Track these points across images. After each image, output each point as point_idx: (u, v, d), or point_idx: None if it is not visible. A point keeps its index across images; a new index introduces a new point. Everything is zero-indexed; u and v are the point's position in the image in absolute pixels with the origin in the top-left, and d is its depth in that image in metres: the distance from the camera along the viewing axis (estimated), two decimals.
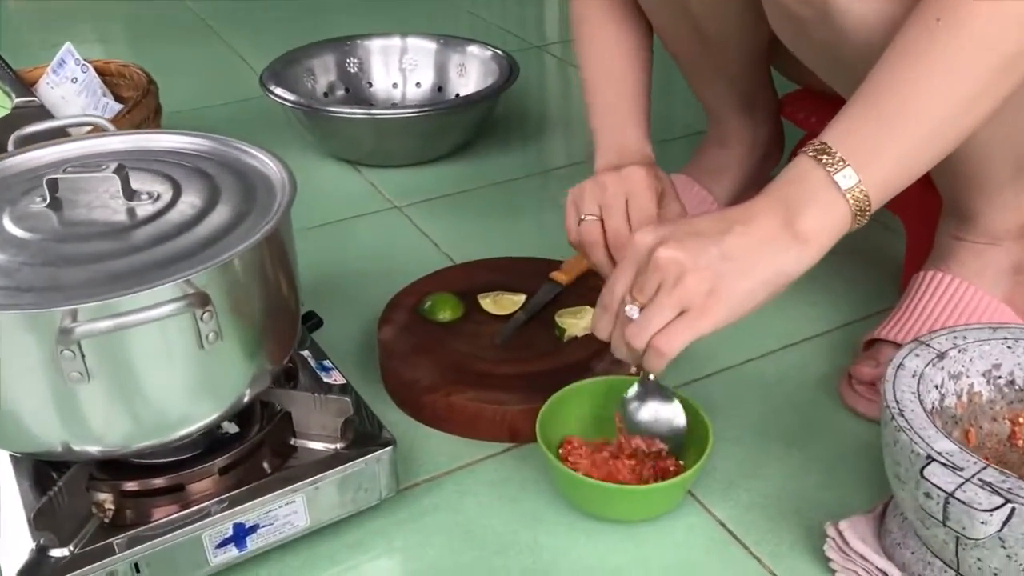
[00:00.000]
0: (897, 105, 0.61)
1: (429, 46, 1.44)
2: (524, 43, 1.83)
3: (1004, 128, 0.73)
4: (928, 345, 0.68)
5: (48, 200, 0.66)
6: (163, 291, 0.57)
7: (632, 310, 0.64)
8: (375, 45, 1.44)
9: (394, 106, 1.43)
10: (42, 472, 0.69)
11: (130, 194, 0.66)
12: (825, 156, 0.61)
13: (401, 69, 1.44)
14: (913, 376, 0.65)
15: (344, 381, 0.77)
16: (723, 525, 0.73)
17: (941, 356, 0.67)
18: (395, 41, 1.44)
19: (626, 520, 0.73)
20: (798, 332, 0.95)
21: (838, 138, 0.61)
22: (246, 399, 0.68)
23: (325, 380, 0.77)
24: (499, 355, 0.86)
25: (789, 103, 1.06)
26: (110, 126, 0.79)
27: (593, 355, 0.85)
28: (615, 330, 0.66)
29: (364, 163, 1.31)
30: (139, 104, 1.07)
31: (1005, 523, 0.55)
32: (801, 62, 0.79)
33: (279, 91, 1.27)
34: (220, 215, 0.66)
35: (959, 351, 0.68)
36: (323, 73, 1.41)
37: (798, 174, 0.62)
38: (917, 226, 0.94)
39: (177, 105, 1.46)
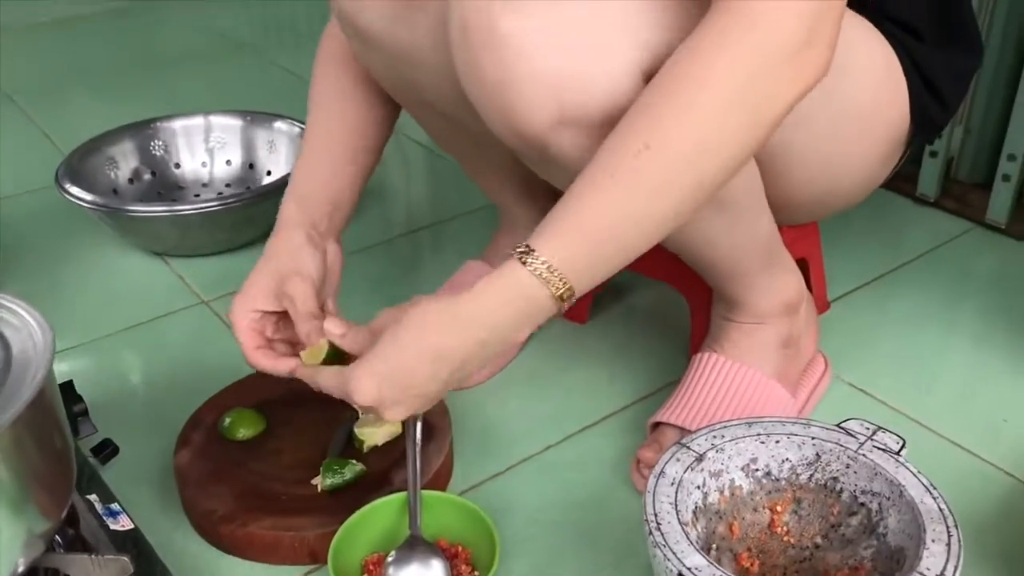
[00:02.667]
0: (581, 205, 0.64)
1: (234, 123, 1.42)
2: None
3: (744, 230, 0.79)
4: (688, 448, 0.72)
5: None
6: None
7: None
8: (177, 126, 1.41)
9: (204, 186, 1.40)
10: None
11: None
12: (521, 254, 0.64)
13: (208, 149, 1.42)
14: (672, 484, 0.69)
15: (132, 526, 0.76)
16: None
17: (700, 458, 0.71)
18: (198, 120, 1.42)
19: None
20: (597, 410, 0.98)
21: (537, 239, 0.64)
22: (20, 570, 0.65)
23: (112, 527, 0.76)
24: (297, 475, 0.86)
25: None
26: None
27: (393, 464, 0.86)
28: None
29: (172, 254, 1.28)
30: None
31: None
32: None
33: (74, 190, 1.23)
34: None
35: (716, 451, 0.72)
36: (125, 160, 1.37)
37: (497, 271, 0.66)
38: (699, 305, 0.99)
39: None
